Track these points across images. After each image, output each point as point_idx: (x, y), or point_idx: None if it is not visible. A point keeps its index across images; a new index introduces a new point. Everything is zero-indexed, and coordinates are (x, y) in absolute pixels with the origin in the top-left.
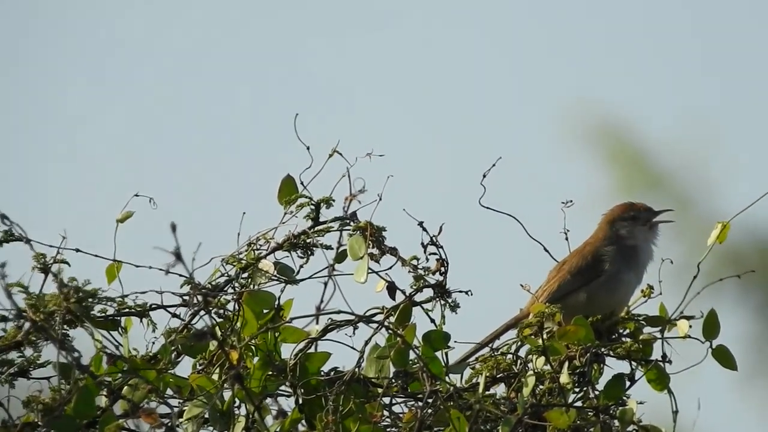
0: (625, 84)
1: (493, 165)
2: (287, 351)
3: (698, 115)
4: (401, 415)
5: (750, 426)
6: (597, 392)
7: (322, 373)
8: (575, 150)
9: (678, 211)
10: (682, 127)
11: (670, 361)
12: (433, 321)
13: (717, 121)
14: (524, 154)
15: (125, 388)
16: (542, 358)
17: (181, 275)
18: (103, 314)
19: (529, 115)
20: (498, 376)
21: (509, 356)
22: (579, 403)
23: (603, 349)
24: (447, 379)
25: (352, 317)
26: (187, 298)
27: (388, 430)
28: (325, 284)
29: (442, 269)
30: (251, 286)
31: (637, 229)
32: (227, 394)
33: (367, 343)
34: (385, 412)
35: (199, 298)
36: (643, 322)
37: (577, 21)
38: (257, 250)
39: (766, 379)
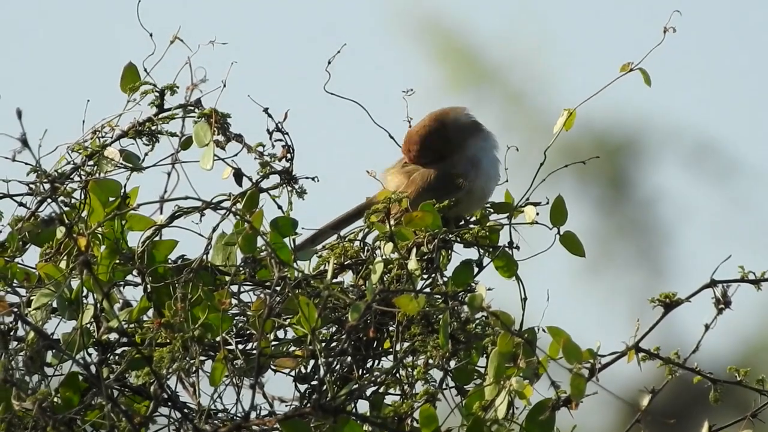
0: None
1: (338, 52)
2: (134, 239)
3: (529, 11)
4: (250, 303)
5: (592, 315)
6: (445, 278)
7: (170, 261)
8: (408, 45)
9: (509, 105)
10: (512, 22)
11: (517, 248)
12: (280, 207)
13: (547, 16)
14: (364, 47)
15: None
16: (390, 245)
17: (27, 163)
18: None
19: (366, 9)
20: (346, 263)
21: (357, 243)
22: (428, 290)
23: (450, 236)
24: (295, 266)
25: (198, 204)
26: (33, 186)
27: (236, 317)
28: (169, 174)
29: (288, 155)
30: (97, 174)
31: (487, 142)
32: (75, 283)
33: (214, 229)
34: (234, 300)
35: (46, 185)
36: (490, 208)
37: None
38: (102, 137)
39: (606, 271)
